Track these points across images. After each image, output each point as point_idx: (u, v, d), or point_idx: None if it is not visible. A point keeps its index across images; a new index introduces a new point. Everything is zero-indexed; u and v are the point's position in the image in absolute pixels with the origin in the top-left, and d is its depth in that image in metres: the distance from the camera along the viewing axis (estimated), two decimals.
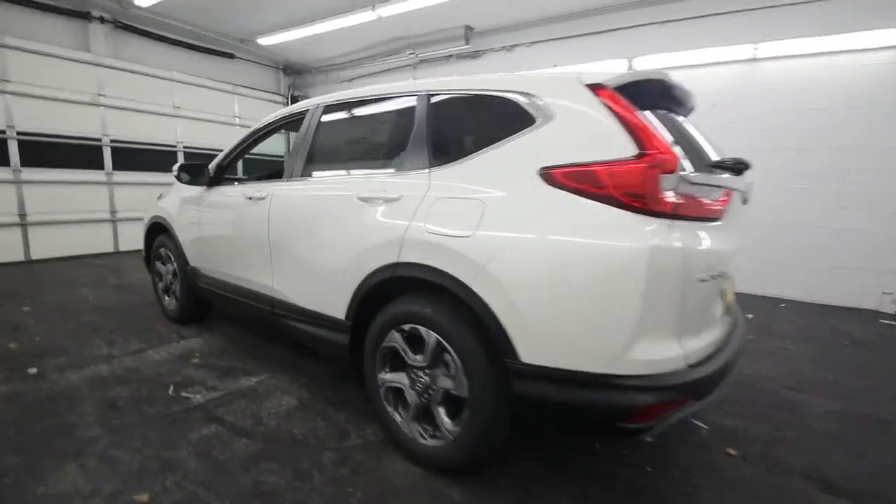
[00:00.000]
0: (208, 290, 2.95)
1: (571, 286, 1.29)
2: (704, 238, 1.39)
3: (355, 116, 2.28)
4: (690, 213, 1.35)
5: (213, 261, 2.89)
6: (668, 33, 5.13)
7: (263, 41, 6.97)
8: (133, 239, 6.54)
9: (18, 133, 5.45)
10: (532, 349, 1.37)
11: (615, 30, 5.49)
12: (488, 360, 1.49)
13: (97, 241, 6.31)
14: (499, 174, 1.53)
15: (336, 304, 1.99)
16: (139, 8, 5.83)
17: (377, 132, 2.26)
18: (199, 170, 2.92)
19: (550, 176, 1.39)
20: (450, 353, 1.59)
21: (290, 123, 2.61)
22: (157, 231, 3.46)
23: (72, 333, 3.19)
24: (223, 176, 2.98)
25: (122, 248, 6.58)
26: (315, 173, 2.30)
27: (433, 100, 1.85)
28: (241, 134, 2.90)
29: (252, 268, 2.51)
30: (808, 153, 4.54)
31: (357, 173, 2.10)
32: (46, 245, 5.81)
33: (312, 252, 2.10)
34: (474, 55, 6.55)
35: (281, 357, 2.86)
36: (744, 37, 4.71)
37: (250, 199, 2.48)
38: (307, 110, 2.42)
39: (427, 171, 1.75)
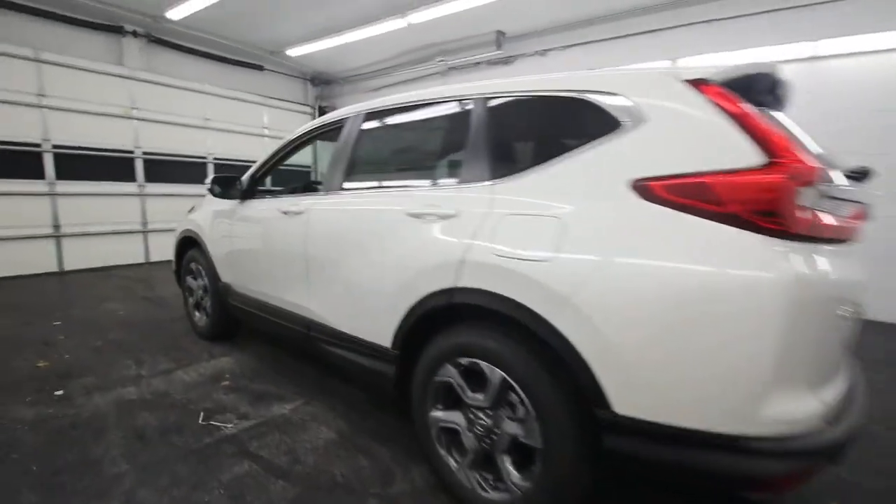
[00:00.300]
0: (240, 308, 2.80)
1: (683, 325, 1.06)
2: (842, 264, 1.14)
3: (401, 124, 2.10)
4: (828, 233, 1.11)
5: (245, 278, 2.74)
6: (715, 33, 4.84)
7: (292, 52, 6.95)
8: (163, 250, 6.54)
9: (54, 146, 5.50)
10: (629, 399, 1.14)
11: (657, 30, 5.23)
12: (570, 407, 1.26)
13: (128, 252, 6.33)
14: (579, 187, 1.32)
15: (381, 331, 1.80)
16: (171, 21, 5.87)
17: (427, 141, 2.07)
18: (232, 182, 2.79)
19: (648, 189, 1.17)
20: (518, 395, 1.37)
21: (327, 133, 2.46)
22: (189, 245, 3.35)
23: (100, 351, 3.09)
24: (256, 188, 2.85)
25: (153, 258, 6.59)
26: (357, 186, 2.13)
27: (492, 103, 1.65)
28: (275, 145, 2.76)
29: (287, 287, 2.35)
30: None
31: (405, 186, 1.91)
32: (79, 256, 5.85)
33: (354, 273, 1.91)
34: (506, 61, 6.37)
35: (315, 380, 2.69)
36: (803, 34, 4.39)
37: (285, 213, 2.33)
38: (347, 118, 2.26)
39: (489, 183, 1.55)
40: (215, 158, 7.17)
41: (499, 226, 1.43)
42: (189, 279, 3.40)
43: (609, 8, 5.30)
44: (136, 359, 2.95)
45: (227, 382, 2.62)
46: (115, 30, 6.03)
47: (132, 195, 6.30)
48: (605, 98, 1.35)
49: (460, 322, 1.57)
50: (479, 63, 6.56)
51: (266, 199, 2.68)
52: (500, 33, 6.00)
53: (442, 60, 6.65)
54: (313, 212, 2.17)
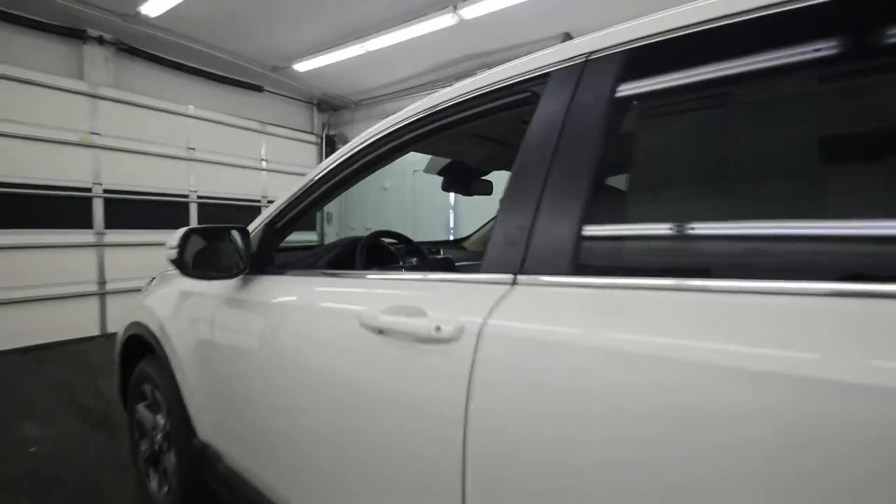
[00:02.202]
0: None
1: None
2: None
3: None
4: None
5: (254, 449, 1.24)
6: None
7: (301, 66, 5.66)
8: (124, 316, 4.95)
9: None
10: None
11: None
12: None
13: (76, 322, 4.72)
14: None
15: None
16: (148, 22, 4.54)
17: None
18: (228, 238, 1.31)
19: None
20: None
21: (447, 129, 1.05)
22: (139, 350, 1.84)
23: None
24: (275, 250, 1.40)
25: (112, 328, 4.98)
26: (657, 260, 0.67)
27: None
28: (318, 168, 1.31)
29: None
30: None
31: None
32: (6, 332, 4.23)
33: None
34: None
35: None
36: None
37: (380, 332, 0.85)
38: (548, 73, 0.84)
39: None
40: (199, 197, 5.71)
41: None
42: (141, 410, 1.86)
43: None
44: None
45: None
46: (76, 34, 4.68)
47: (86, 246, 4.76)
48: None
49: None
50: None
51: (307, 277, 1.21)
52: (567, 36, 4.80)
53: None
54: (497, 344, 0.69)
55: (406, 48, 5.01)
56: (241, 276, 1.31)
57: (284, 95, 6.93)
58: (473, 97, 1.01)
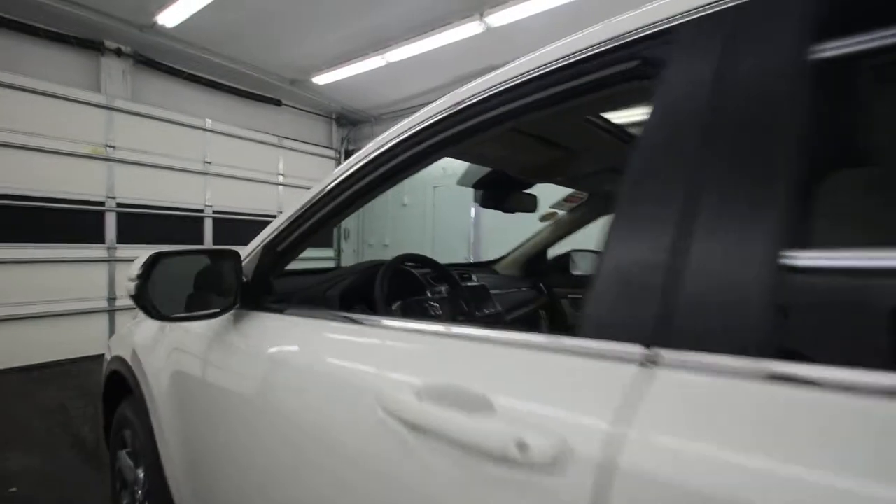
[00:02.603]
0: None
1: None
2: None
3: None
4: None
5: None
6: None
7: (320, 79, 5.52)
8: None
9: None
10: None
11: None
12: None
13: (83, 339, 4.54)
14: None
15: None
16: (164, 32, 4.44)
17: None
18: (212, 264, 1.03)
19: None
20: None
21: (492, 125, 0.77)
22: (122, 388, 1.58)
23: None
24: (275, 277, 1.12)
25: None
26: None
27: None
28: (329, 179, 1.03)
29: None
30: None
31: None
32: (7, 350, 4.06)
33: None
34: None
35: None
36: None
37: (415, 429, 0.55)
38: (662, 35, 0.56)
39: None
40: (215, 211, 5.56)
41: None
42: (123, 456, 1.59)
43: None
44: None
45: None
46: (94, 46, 4.61)
47: (96, 261, 4.61)
48: None
49: None
50: None
51: (308, 319, 0.93)
52: None
53: None
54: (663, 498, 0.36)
55: (429, 59, 4.81)
56: (231, 309, 1.04)
57: (303, 109, 6.81)
58: (537, 76, 0.72)
